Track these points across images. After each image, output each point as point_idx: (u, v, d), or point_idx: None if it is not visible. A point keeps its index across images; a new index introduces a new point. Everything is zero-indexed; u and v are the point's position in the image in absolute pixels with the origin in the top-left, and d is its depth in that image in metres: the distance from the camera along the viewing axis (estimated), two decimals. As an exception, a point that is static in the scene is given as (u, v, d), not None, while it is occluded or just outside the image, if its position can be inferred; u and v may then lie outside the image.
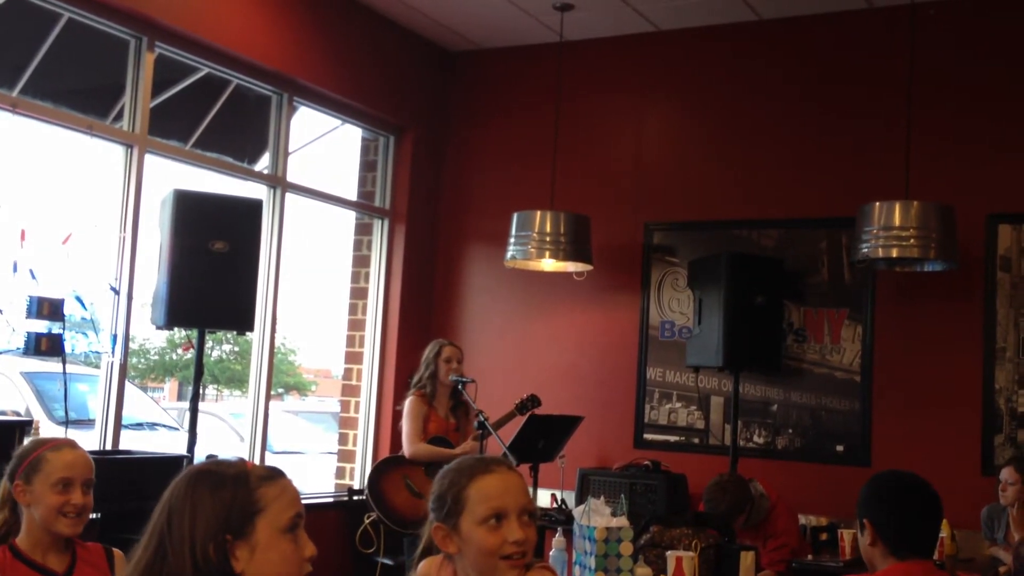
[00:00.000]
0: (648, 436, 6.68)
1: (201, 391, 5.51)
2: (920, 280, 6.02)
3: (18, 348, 4.84)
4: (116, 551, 3.01)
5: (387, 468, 5.91)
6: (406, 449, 5.82)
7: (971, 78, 6.04)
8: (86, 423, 5.88)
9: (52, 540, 2.89)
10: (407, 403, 5.88)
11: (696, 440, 6.56)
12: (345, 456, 7.14)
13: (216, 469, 1.79)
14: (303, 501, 1.84)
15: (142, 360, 20.28)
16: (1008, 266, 5.86)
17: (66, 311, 4.84)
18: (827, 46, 6.43)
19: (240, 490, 1.74)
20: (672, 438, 6.63)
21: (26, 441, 3.07)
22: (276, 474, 1.82)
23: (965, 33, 6.08)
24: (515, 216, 6.30)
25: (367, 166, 7.36)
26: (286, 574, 1.76)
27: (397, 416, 6.19)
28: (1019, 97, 5.92)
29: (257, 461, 6.06)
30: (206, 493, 1.74)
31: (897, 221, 5.26)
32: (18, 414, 6.58)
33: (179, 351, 19.57)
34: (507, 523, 2.23)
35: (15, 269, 4.77)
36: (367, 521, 5.91)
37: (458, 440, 5.84)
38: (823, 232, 6.32)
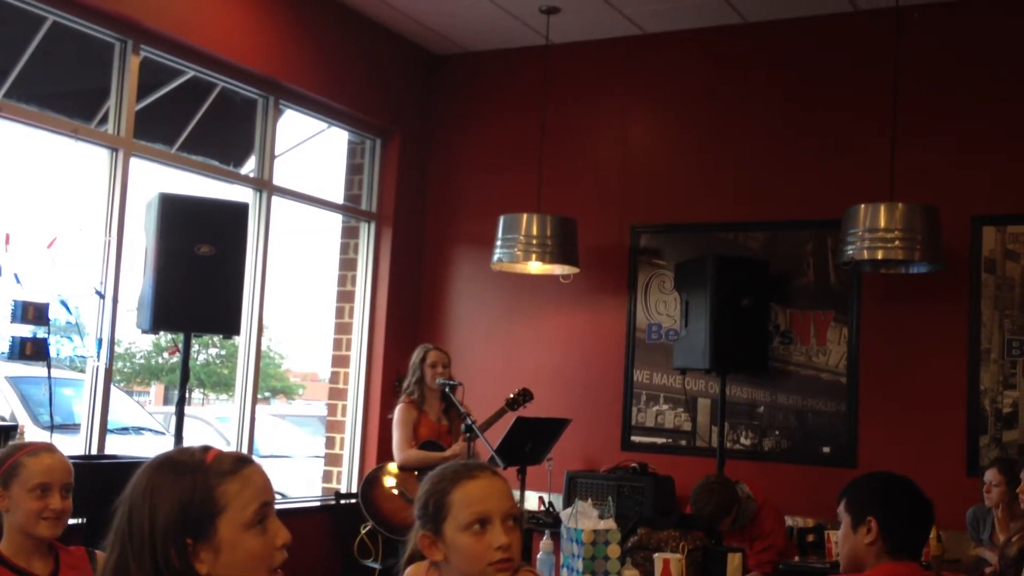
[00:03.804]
0: (635, 438, 6.69)
1: (187, 395, 5.49)
2: (905, 282, 6.04)
3: (3, 352, 4.82)
4: (100, 553, 3.00)
5: (378, 476, 5.90)
6: (396, 457, 5.81)
7: (956, 80, 6.06)
8: (71, 427, 5.86)
9: (34, 544, 2.88)
10: (396, 411, 5.88)
11: (683, 442, 6.57)
12: (332, 460, 7.13)
13: (176, 458, 1.70)
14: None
15: (128, 364, 20.20)
16: (993, 267, 5.89)
17: (51, 315, 4.81)
18: (812, 48, 6.45)
19: (199, 486, 1.65)
20: (659, 440, 6.63)
21: (4, 447, 3.05)
22: (238, 466, 1.71)
23: (950, 36, 6.11)
24: (501, 219, 6.30)
25: (353, 169, 7.35)
26: (255, 569, 1.68)
27: (388, 423, 6.17)
28: (1003, 99, 5.95)
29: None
30: (164, 485, 1.65)
31: (882, 223, 5.27)
32: (3, 419, 6.55)
33: (165, 355, 19.51)
34: (491, 528, 2.22)
35: (-1, 273, 4.75)
36: (363, 532, 5.88)
37: (451, 442, 5.83)
38: (809, 234, 6.34)
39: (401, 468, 5.81)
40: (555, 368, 6.91)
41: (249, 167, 6.41)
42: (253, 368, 6.20)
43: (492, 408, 5.87)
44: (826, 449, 6.20)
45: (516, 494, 5.38)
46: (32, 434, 6.12)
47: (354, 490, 6.51)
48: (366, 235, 7.23)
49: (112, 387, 5.41)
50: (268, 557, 1.69)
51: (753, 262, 6.30)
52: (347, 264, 7.26)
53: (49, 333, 4.82)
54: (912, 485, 2.87)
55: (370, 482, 5.88)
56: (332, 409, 7.23)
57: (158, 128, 5.83)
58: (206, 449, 1.74)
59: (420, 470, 5.70)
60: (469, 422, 5.47)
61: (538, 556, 3.95)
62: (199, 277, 4.92)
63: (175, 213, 4.92)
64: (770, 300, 6.28)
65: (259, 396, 6.41)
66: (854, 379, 6.15)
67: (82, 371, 5.54)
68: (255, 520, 1.68)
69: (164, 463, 1.70)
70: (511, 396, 5.87)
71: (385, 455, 6.26)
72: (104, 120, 5.48)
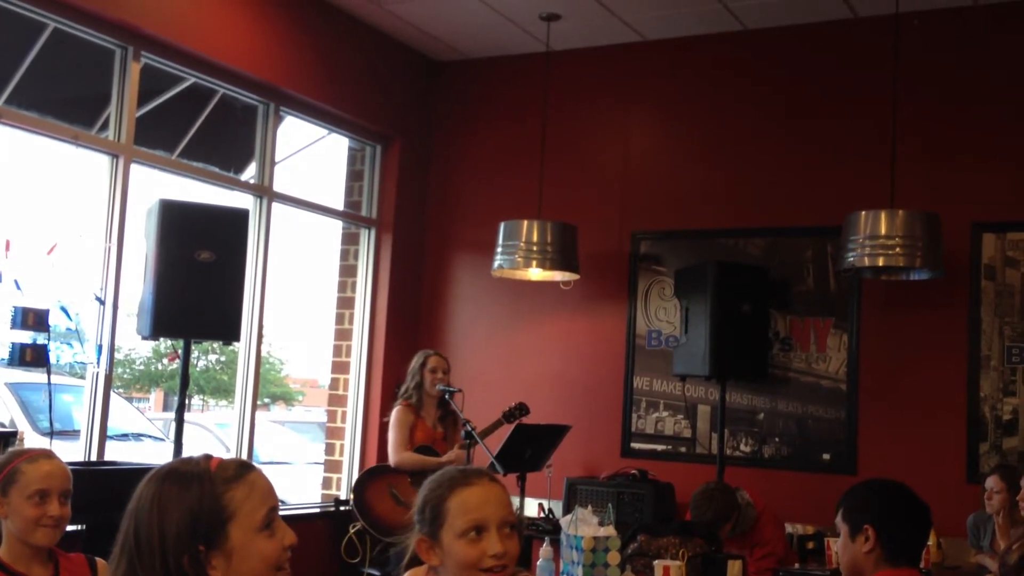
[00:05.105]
0: (635, 445, 6.68)
1: (187, 401, 5.49)
2: (905, 288, 6.04)
3: (2, 359, 4.82)
4: (100, 560, 3.00)
5: (372, 477, 5.90)
6: (391, 458, 5.81)
7: (955, 87, 6.07)
8: (71, 434, 5.85)
9: (34, 551, 2.88)
10: (393, 413, 5.88)
11: (683, 449, 6.57)
12: (332, 466, 7.13)
13: (180, 469, 1.72)
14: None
15: (127, 370, 20.19)
16: (992, 274, 5.89)
17: (51, 321, 4.81)
18: (812, 56, 6.46)
19: (206, 495, 1.68)
20: (659, 447, 6.63)
21: (3, 453, 3.05)
22: (243, 472, 1.74)
23: (949, 43, 6.11)
24: (502, 225, 6.31)
25: (354, 175, 7.35)
26: (265, 571, 1.71)
27: (384, 427, 6.18)
28: (1003, 106, 5.96)
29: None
30: (172, 496, 1.67)
31: (883, 230, 5.27)
32: (2, 425, 6.55)
33: (165, 361, 19.50)
34: (487, 536, 2.21)
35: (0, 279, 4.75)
36: (352, 531, 5.89)
37: (445, 449, 5.84)
38: (809, 241, 6.35)
39: (395, 469, 5.81)
40: (555, 374, 6.91)
41: (249, 173, 6.42)
42: (253, 374, 6.20)
43: (491, 414, 5.87)
44: (826, 456, 6.19)
45: (515, 501, 5.38)
46: (31, 440, 6.10)
47: (354, 496, 6.52)
48: (366, 241, 7.23)
49: (112, 393, 5.40)
50: (277, 559, 1.73)
51: (753, 269, 6.30)
52: (347, 270, 7.26)
53: (49, 339, 4.82)
54: (908, 491, 2.87)
55: (363, 483, 5.87)
56: (332, 415, 7.22)
57: (158, 134, 5.84)
58: (208, 457, 1.76)
59: (413, 474, 5.71)
60: (469, 428, 5.48)
61: (538, 563, 3.95)
62: (199, 283, 4.92)
63: (175, 219, 4.92)
64: (770, 307, 6.28)
65: (259, 402, 6.41)
66: (854, 386, 6.15)
67: (82, 377, 5.54)
68: (264, 524, 1.72)
69: (169, 474, 1.72)
70: (508, 409, 5.87)
71: (385, 461, 6.25)
72: (105, 126, 5.48)
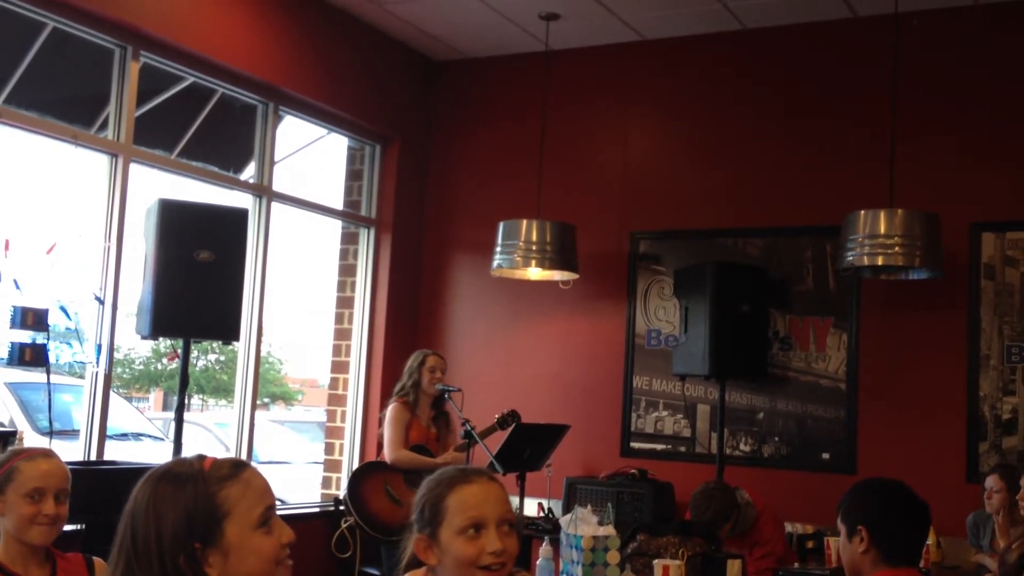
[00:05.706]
0: (635, 444, 6.68)
1: (186, 401, 5.49)
2: (905, 288, 6.04)
3: (2, 358, 4.82)
4: (97, 560, 3.00)
5: (368, 473, 5.89)
6: (388, 455, 5.80)
7: (955, 87, 6.07)
8: (70, 433, 5.85)
9: (30, 550, 2.87)
10: (389, 409, 5.87)
11: (683, 448, 6.57)
12: (331, 466, 7.13)
13: (174, 469, 1.73)
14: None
15: (127, 370, 20.18)
16: (992, 274, 5.89)
17: (50, 321, 4.81)
18: (812, 55, 6.46)
19: (200, 493, 1.68)
20: (659, 446, 6.63)
21: (2, 452, 3.05)
22: (237, 470, 1.74)
23: (949, 43, 6.11)
24: (501, 225, 6.31)
25: (353, 175, 7.35)
26: (263, 569, 1.71)
27: (379, 422, 6.18)
28: (1002, 106, 5.96)
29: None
30: (167, 497, 1.68)
31: (882, 229, 5.27)
32: (2, 425, 6.55)
33: (164, 361, 19.49)
34: (486, 533, 2.22)
35: (-1, 279, 4.75)
36: (344, 526, 5.89)
37: (438, 450, 5.84)
38: (808, 240, 6.35)
39: (391, 466, 5.80)
40: (554, 374, 6.90)
41: (249, 173, 6.42)
42: (252, 374, 6.20)
43: (489, 414, 5.87)
44: (825, 455, 6.19)
45: (515, 500, 5.38)
46: (31, 440, 6.11)
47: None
48: (365, 241, 7.23)
49: (111, 393, 5.40)
50: (275, 556, 1.73)
51: (752, 268, 6.30)
52: (346, 270, 7.26)
53: (48, 339, 4.82)
54: (904, 490, 2.85)
55: (359, 478, 5.87)
56: (331, 415, 7.23)
57: (158, 134, 5.84)
58: (202, 458, 1.76)
59: (408, 472, 5.70)
60: (469, 428, 5.48)
61: (537, 562, 3.95)
62: (198, 283, 4.92)
63: (175, 219, 4.92)
64: (769, 306, 6.28)
65: (258, 402, 6.41)
66: (853, 385, 6.15)
67: (81, 377, 5.54)
68: (261, 522, 1.71)
69: (163, 475, 1.73)
70: (501, 415, 5.87)
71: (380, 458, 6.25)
72: (104, 126, 5.48)
